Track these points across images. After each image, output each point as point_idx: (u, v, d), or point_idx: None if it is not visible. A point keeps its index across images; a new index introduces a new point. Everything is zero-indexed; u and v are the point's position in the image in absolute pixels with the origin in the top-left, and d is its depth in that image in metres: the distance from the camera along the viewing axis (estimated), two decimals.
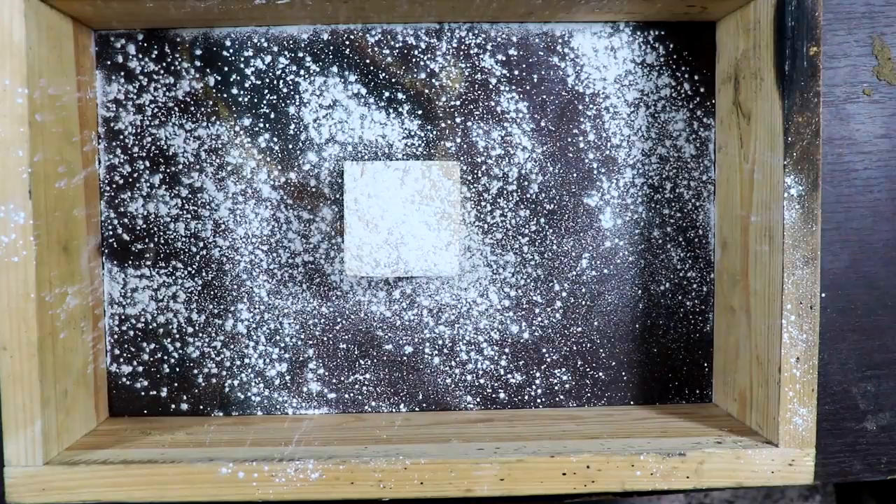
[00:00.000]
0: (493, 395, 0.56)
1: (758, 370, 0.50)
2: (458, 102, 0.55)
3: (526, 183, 0.55)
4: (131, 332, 0.55)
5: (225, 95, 0.54)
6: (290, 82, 0.54)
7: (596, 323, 0.56)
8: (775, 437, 0.47)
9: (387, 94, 0.55)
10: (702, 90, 0.55)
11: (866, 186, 0.56)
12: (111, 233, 0.55)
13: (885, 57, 0.55)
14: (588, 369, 0.56)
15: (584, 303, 0.56)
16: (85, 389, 0.51)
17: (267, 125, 0.54)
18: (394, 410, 0.56)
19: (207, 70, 0.54)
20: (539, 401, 0.56)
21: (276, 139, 0.55)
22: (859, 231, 0.56)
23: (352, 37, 0.54)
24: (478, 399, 0.56)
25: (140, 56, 0.54)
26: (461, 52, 0.54)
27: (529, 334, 0.56)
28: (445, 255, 0.52)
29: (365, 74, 0.54)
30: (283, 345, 0.55)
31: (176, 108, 0.54)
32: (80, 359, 0.50)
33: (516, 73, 0.55)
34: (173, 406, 0.55)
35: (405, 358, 0.56)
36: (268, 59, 0.54)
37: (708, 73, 0.55)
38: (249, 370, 0.56)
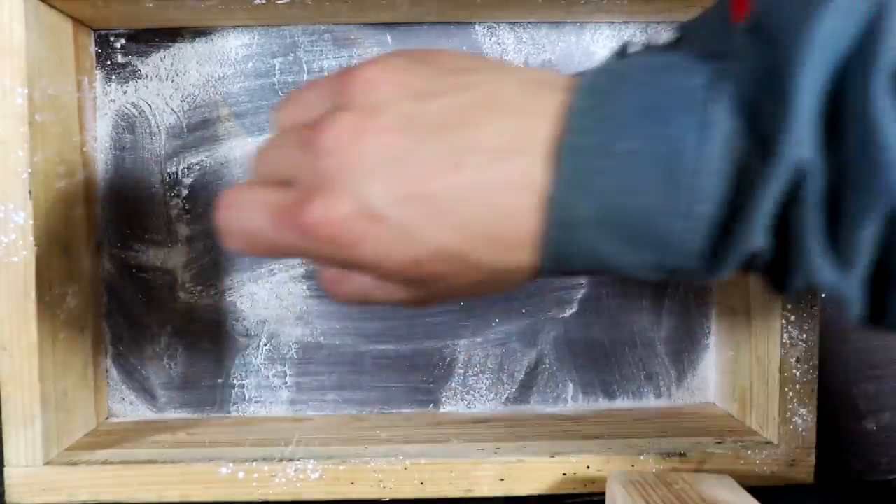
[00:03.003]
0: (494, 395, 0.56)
1: (758, 370, 0.50)
2: None
3: None
4: (131, 332, 0.55)
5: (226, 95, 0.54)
6: (291, 82, 0.54)
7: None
8: (775, 437, 0.47)
9: None
10: None
11: None
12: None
13: None
14: (588, 369, 0.56)
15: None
16: (85, 389, 0.51)
17: (268, 125, 0.54)
18: (394, 411, 0.56)
19: (207, 70, 0.54)
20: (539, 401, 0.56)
21: None
22: None
23: (352, 36, 0.54)
24: (478, 399, 0.56)
25: (140, 56, 0.54)
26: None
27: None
28: None
29: None
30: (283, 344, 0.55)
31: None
32: (79, 359, 0.50)
33: None
34: (173, 406, 0.55)
35: (405, 358, 0.56)
36: (268, 58, 0.54)
37: None
38: (250, 370, 0.55)
